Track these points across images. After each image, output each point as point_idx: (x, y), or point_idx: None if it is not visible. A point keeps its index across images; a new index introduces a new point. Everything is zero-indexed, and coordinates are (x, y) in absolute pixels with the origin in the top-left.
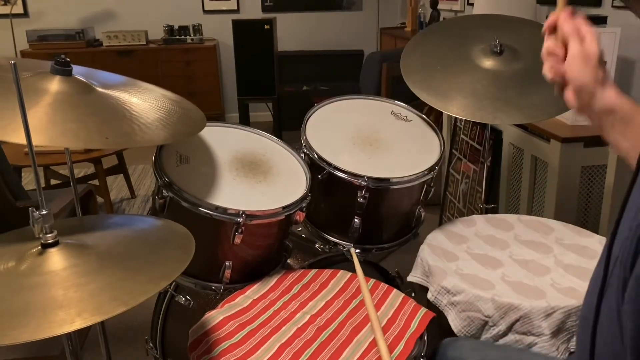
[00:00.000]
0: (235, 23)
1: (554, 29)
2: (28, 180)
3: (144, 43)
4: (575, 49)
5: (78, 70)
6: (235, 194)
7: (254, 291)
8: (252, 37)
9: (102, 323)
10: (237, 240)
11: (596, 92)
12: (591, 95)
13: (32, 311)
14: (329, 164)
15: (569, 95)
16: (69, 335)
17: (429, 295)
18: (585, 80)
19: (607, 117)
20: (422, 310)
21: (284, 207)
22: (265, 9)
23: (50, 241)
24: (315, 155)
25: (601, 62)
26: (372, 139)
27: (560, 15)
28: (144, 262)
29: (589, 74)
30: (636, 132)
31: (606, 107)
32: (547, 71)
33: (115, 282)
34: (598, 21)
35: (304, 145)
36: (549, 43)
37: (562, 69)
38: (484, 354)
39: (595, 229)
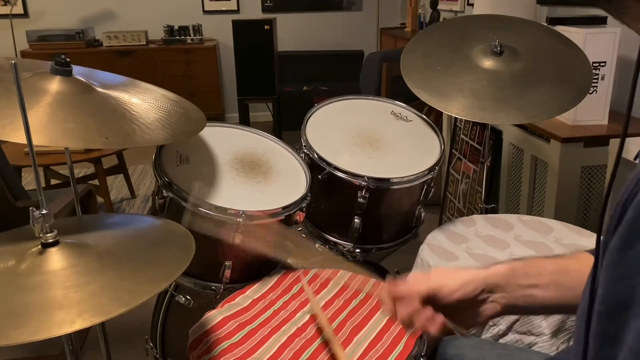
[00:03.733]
0: (235, 23)
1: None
2: (28, 180)
3: (144, 43)
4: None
5: (78, 71)
6: (235, 194)
7: (254, 291)
8: (252, 37)
9: (102, 323)
10: (237, 240)
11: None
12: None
13: (32, 311)
14: (329, 164)
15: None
16: (69, 335)
17: None
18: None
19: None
20: None
21: (284, 207)
22: (265, 9)
23: (50, 241)
24: (315, 155)
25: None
26: (372, 139)
27: (382, 293)
28: (144, 262)
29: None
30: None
31: (498, 282)
32: (427, 330)
33: (115, 282)
34: (598, 21)
35: (304, 145)
36: (401, 311)
37: (433, 313)
38: (484, 353)
39: (595, 229)
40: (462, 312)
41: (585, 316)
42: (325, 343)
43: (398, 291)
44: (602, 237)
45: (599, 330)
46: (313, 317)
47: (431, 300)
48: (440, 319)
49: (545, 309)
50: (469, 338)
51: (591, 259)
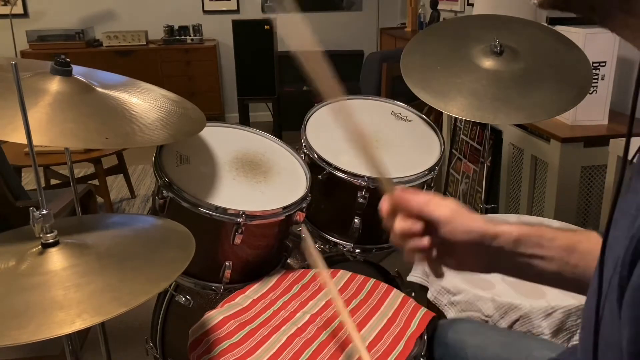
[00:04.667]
0: (235, 23)
1: (393, 213)
2: (28, 180)
3: (144, 43)
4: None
5: (78, 71)
6: (235, 194)
7: (254, 291)
8: (252, 37)
9: (102, 323)
10: (237, 240)
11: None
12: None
13: (32, 311)
14: (329, 164)
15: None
16: (69, 336)
17: (429, 295)
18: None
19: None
20: (422, 310)
21: (284, 207)
22: (265, 9)
23: (50, 241)
24: (316, 156)
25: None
26: (372, 139)
27: (394, 196)
28: (144, 262)
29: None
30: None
31: (512, 239)
32: (412, 255)
33: (115, 282)
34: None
35: (304, 146)
36: (400, 224)
37: (429, 245)
38: (485, 336)
39: (595, 229)
40: (453, 249)
41: (593, 327)
42: (326, 343)
43: (407, 202)
44: (606, 267)
45: None
46: (313, 318)
47: (431, 225)
48: (432, 253)
49: (540, 278)
50: (470, 322)
51: (600, 239)
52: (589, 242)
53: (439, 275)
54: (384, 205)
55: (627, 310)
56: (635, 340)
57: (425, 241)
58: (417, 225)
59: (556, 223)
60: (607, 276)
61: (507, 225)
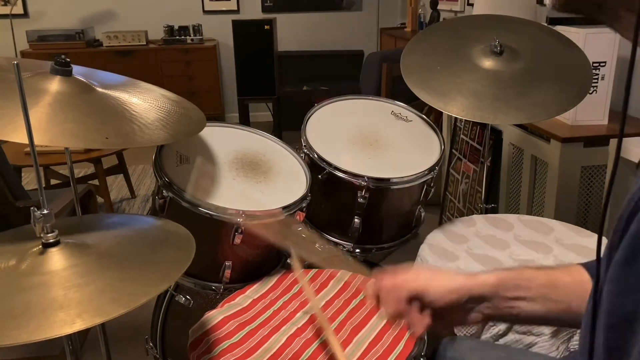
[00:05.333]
0: (235, 23)
1: (378, 300)
2: (28, 180)
3: (144, 43)
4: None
5: (78, 71)
6: (235, 194)
7: (254, 291)
8: (252, 37)
9: (102, 323)
10: (237, 240)
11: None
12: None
13: (33, 311)
14: (329, 164)
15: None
16: (69, 336)
17: None
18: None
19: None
20: None
21: (284, 207)
22: (265, 9)
23: (51, 241)
24: (316, 156)
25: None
26: (372, 139)
27: (373, 287)
28: (144, 263)
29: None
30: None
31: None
32: (417, 330)
33: (115, 282)
34: (598, 21)
35: (304, 145)
36: (388, 310)
37: (420, 316)
38: (484, 354)
39: (595, 229)
40: (444, 314)
41: (589, 327)
42: (325, 343)
43: (385, 286)
44: (604, 250)
45: (606, 343)
46: (313, 317)
47: (416, 299)
48: (426, 320)
49: (530, 320)
50: (468, 339)
51: (583, 272)
52: (570, 275)
53: (451, 333)
54: (369, 297)
55: (609, 284)
56: (612, 313)
57: (414, 311)
58: (402, 305)
59: (556, 223)
60: (602, 276)
61: (484, 275)
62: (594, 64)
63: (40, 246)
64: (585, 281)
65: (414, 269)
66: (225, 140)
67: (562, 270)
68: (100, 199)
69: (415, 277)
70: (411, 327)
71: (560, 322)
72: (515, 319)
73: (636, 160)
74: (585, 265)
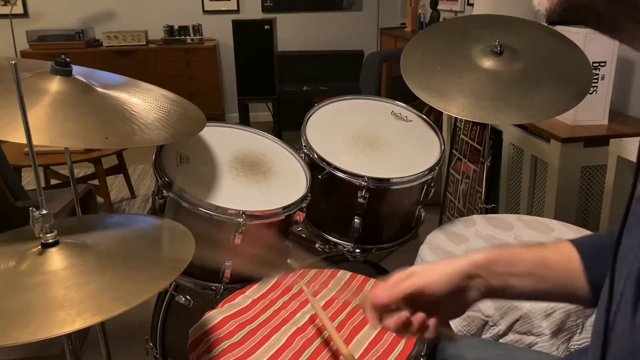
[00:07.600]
0: (235, 23)
1: (380, 315)
2: (28, 180)
3: (144, 43)
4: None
5: (78, 71)
6: (235, 194)
7: (254, 291)
8: (252, 37)
9: (102, 323)
10: (237, 240)
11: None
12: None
13: (33, 311)
14: (329, 164)
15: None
16: (68, 335)
17: None
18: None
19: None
20: None
21: (284, 207)
22: (265, 9)
23: (50, 241)
24: (316, 156)
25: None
26: (372, 139)
27: (370, 303)
28: (144, 262)
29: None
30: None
31: (482, 265)
32: (421, 337)
33: (115, 282)
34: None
35: (304, 145)
36: (391, 324)
37: (429, 323)
38: (484, 352)
39: (595, 229)
40: (447, 304)
41: (604, 313)
42: (326, 343)
43: (381, 301)
44: (618, 275)
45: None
46: (313, 317)
47: (416, 299)
48: (432, 322)
49: (523, 296)
50: (468, 338)
51: (572, 249)
52: (559, 254)
53: (455, 338)
54: (369, 317)
55: None
56: None
57: (419, 318)
58: (403, 314)
59: (556, 223)
60: (618, 287)
61: (475, 253)
62: (594, 64)
63: (40, 246)
64: (574, 258)
65: (404, 272)
66: (225, 140)
67: (551, 247)
68: (100, 199)
69: (409, 278)
70: (420, 334)
71: (550, 297)
72: (509, 295)
73: (636, 160)
74: (574, 242)
